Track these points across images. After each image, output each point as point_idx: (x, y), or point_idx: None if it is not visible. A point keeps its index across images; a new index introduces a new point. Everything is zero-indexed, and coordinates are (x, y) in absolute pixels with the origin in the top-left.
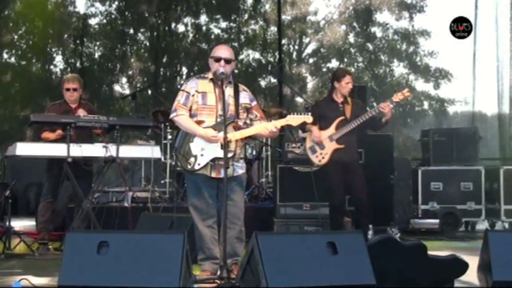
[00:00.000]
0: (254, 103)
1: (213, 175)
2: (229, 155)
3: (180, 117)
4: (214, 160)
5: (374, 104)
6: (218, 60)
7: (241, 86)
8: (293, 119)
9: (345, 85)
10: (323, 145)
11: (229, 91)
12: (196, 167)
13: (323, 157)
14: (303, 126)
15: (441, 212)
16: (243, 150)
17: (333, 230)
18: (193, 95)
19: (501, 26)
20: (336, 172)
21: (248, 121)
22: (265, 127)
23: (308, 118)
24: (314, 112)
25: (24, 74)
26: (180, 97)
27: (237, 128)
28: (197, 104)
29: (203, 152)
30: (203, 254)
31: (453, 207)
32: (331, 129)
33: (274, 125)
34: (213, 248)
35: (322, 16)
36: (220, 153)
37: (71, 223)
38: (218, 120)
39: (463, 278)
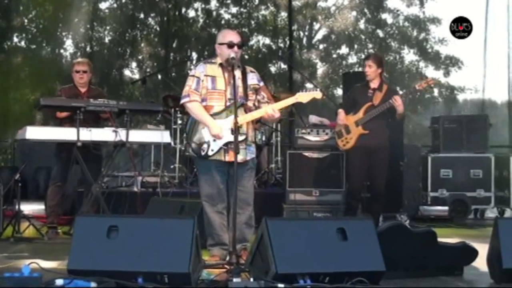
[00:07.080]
0: (262, 83)
1: (227, 159)
2: (242, 138)
3: (193, 103)
4: (227, 144)
5: None
6: (231, 46)
7: (248, 68)
8: (302, 96)
9: (367, 69)
10: (349, 129)
11: (238, 74)
12: (210, 153)
13: (347, 142)
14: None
15: (450, 199)
16: (254, 134)
17: (346, 215)
18: (202, 80)
19: None
20: (357, 157)
21: (256, 103)
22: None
23: (317, 94)
24: (349, 96)
25: (34, 58)
26: (191, 82)
27: (247, 109)
28: (206, 88)
29: (216, 137)
30: (212, 240)
31: (463, 194)
32: (359, 114)
33: (272, 108)
34: (222, 235)
35: (333, 2)
36: (232, 137)
37: (80, 207)
38: (228, 104)
39: (473, 265)
